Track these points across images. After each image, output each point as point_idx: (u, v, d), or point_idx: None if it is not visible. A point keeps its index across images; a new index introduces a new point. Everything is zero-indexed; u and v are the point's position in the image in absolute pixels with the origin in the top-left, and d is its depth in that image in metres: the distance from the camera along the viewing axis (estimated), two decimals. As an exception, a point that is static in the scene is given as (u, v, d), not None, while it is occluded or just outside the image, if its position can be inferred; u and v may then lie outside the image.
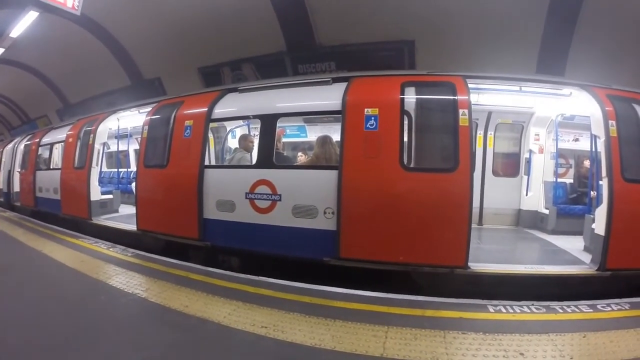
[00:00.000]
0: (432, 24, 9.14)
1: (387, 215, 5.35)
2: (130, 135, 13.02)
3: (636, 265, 5.27)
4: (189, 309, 4.25)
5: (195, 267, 5.89)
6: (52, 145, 11.84)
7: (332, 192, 5.48)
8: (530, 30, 8.65)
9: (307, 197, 5.74)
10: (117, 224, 8.64)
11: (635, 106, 5.67)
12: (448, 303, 4.43)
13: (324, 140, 6.22)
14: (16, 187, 14.42)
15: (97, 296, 4.70)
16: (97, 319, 4.06)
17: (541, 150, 8.58)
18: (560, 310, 4.22)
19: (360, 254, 5.46)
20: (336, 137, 6.01)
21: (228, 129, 8.86)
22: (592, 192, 7.12)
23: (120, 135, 12.13)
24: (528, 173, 8.61)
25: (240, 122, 8.38)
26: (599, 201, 6.01)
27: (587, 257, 5.84)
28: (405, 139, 5.66)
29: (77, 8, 8.95)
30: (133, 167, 13.62)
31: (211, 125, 7.09)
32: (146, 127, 7.75)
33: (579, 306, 4.33)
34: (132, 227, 7.76)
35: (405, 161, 5.48)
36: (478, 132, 8.75)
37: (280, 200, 5.86)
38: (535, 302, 4.40)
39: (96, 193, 9.43)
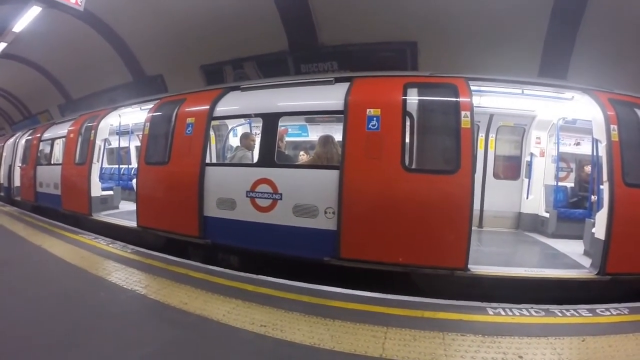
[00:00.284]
0: (435, 25, 9.14)
1: (387, 216, 5.34)
2: (132, 132, 13.03)
3: (636, 270, 5.27)
4: (189, 307, 4.25)
5: (195, 265, 5.89)
6: (53, 140, 11.83)
7: (333, 192, 5.48)
8: (533, 34, 8.66)
9: (308, 196, 5.73)
10: (117, 220, 8.64)
11: (637, 111, 5.66)
12: (447, 305, 4.43)
13: (326, 140, 6.22)
14: (17, 182, 14.43)
15: (96, 292, 4.70)
16: (96, 315, 4.05)
17: (542, 154, 8.59)
18: (560, 314, 4.22)
19: (360, 254, 5.45)
20: (338, 137, 6.01)
21: (230, 127, 8.86)
22: (592, 197, 7.13)
23: (122, 132, 12.14)
24: (529, 176, 8.62)
25: (242, 120, 8.38)
26: (599, 205, 6.01)
27: (586, 261, 5.84)
28: (407, 140, 5.67)
29: (80, 4, 8.98)
30: (134, 164, 13.64)
31: (213, 123, 7.08)
32: (148, 124, 7.74)
33: (578, 310, 4.33)
34: (132, 223, 7.75)
35: (407, 162, 5.48)
36: (479, 134, 8.75)
37: (281, 199, 5.86)
38: (534, 306, 4.40)
39: (97, 189, 9.43)
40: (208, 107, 6.78)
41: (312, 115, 9.86)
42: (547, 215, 8.07)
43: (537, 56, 8.84)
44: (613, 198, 5.20)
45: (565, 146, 10.08)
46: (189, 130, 6.84)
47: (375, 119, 5.46)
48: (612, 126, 5.35)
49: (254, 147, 7.25)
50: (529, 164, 8.65)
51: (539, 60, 8.87)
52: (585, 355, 3.37)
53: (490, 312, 4.23)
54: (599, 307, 4.42)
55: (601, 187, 5.82)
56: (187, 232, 6.71)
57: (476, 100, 6.56)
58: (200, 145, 6.63)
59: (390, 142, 5.39)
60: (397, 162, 5.32)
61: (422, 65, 9.56)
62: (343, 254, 5.46)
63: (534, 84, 6.44)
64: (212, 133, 8.03)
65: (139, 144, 11.23)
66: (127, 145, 13.90)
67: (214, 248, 6.59)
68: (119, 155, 13.79)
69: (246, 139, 7.29)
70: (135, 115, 10.42)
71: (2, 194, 16.15)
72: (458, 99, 5.43)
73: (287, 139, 10.25)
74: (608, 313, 4.30)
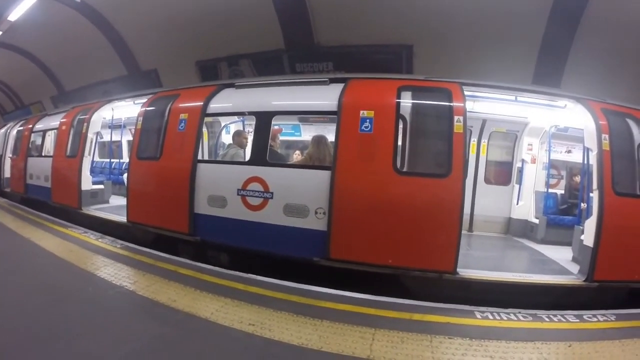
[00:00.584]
0: (431, 30, 9.20)
1: (378, 218, 5.35)
2: (124, 126, 12.93)
3: (623, 278, 5.34)
4: (177, 304, 4.23)
5: (184, 262, 5.85)
6: (44, 132, 11.72)
7: (324, 193, 5.47)
8: (528, 41, 8.72)
9: (299, 196, 5.73)
10: (107, 214, 8.57)
11: (629, 121, 5.73)
12: (436, 308, 4.45)
13: (319, 140, 6.22)
14: (7, 173, 14.27)
15: (84, 287, 4.66)
16: (84, 311, 4.02)
17: (533, 160, 8.65)
18: (547, 319, 4.25)
19: (350, 255, 5.46)
20: (331, 137, 6.00)
21: (223, 124, 8.83)
22: (582, 204, 7.19)
23: (114, 126, 12.05)
24: (520, 182, 8.68)
25: (235, 117, 8.35)
26: (588, 213, 6.07)
27: (575, 268, 5.88)
28: (400, 142, 5.69)
29: (77, -5, 8.90)
30: (125, 158, 13.54)
31: (206, 119, 7.06)
32: (141, 118, 7.67)
33: (565, 316, 4.36)
34: (122, 218, 7.70)
35: (399, 165, 5.51)
36: (472, 139, 8.79)
37: (272, 198, 5.84)
38: (522, 310, 4.42)
39: (87, 183, 9.34)
40: (201, 103, 6.75)
41: (306, 115, 9.86)
42: (536, 221, 8.12)
43: (531, 64, 8.92)
44: (602, 206, 5.24)
45: (557, 153, 10.15)
46: (182, 126, 6.80)
47: (368, 120, 5.47)
48: (603, 135, 5.40)
49: (246, 145, 7.23)
50: (520, 170, 8.71)
51: (533, 68, 8.95)
52: (571, 360, 3.41)
53: (478, 316, 4.26)
54: (586, 314, 4.46)
55: (591, 195, 5.87)
56: (177, 229, 6.67)
57: (469, 105, 6.59)
58: (192, 142, 6.59)
59: (383, 144, 5.40)
60: (389, 164, 5.33)
61: (417, 69, 9.61)
62: (333, 254, 5.46)
63: (528, 91, 6.48)
64: (205, 130, 7.99)
65: (131, 138, 11.17)
66: (119, 139, 13.79)
67: (204, 245, 6.56)
68: (110, 149, 13.69)
69: (239, 136, 7.28)
70: (128, 109, 10.34)
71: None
72: (451, 104, 5.45)
73: (280, 138, 10.25)
74: (595, 319, 4.34)
